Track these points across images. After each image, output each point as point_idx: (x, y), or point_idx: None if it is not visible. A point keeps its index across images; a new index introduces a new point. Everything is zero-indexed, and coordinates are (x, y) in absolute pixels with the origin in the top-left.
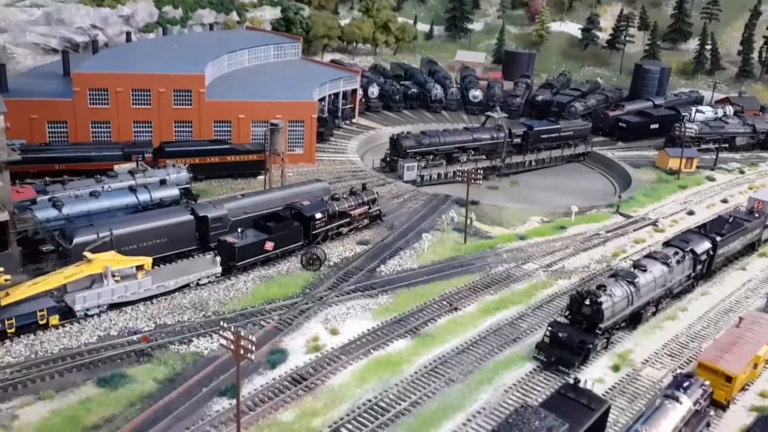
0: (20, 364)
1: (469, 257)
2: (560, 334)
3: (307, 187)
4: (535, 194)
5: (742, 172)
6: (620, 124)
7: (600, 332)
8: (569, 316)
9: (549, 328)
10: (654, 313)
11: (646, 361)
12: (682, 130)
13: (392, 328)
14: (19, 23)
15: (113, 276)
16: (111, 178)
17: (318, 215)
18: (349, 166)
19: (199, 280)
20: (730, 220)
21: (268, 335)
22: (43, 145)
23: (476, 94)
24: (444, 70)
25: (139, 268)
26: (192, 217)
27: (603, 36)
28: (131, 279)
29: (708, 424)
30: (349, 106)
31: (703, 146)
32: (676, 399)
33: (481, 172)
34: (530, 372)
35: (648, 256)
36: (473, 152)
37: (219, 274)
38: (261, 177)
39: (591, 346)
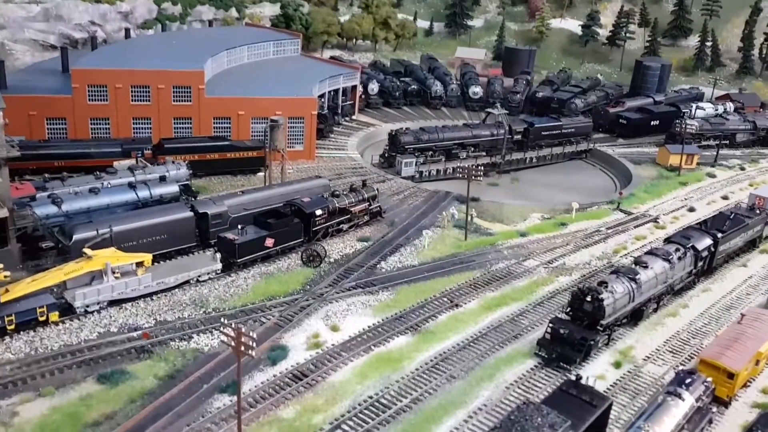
0: (20, 361)
1: (469, 254)
2: (561, 331)
3: (308, 184)
4: (535, 191)
5: (742, 169)
6: (621, 120)
7: (601, 329)
8: (570, 313)
9: (550, 325)
10: (655, 310)
11: (648, 357)
12: (683, 126)
13: (393, 324)
14: (17, 20)
15: (113, 273)
16: (110, 175)
17: (318, 212)
18: (349, 162)
19: (199, 276)
20: (732, 217)
21: (269, 332)
22: (42, 141)
23: (476, 90)
24: (444, 66)
25: (139, 264)
26: (192, 213)
27: (603, 33)
28: (131, 276)
29: (710, 421)
30: (348, 102)
31: (704, 143)
32: (679, 396)
33: (482, 168)
34: (531, 369)
35: (649, 252)
36: (472, 149)
37: (219, 271)
38: (261, 174)
39: (592, 342)
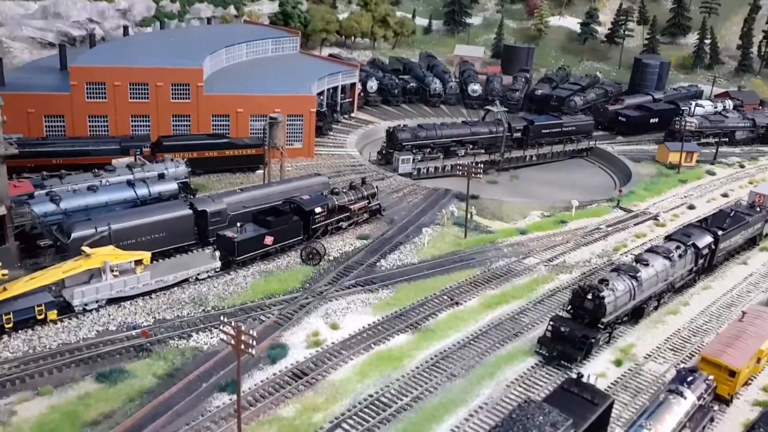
0: (18, 360)
1: (469, 252)
2: (562, 329)
3: (307, 182)
4: (535, 188)
5: (742, 166)
6: (620, 118)
7: (602, 327)
8: (571, 311)
9: (551, 323)
10: (656, 308)
11: (649, 355)
12: (682, 124)
13: (393, 322)
14: (15, 17)
15: (112, 271)
16: (109, 173)
17: (318, 210)
18: (348, 160)
19: (198, 274)
20: (732, 215)
21: (268, 330)
22: (40, 139)
23: (475, 88)
24: (443, 64)
25: (138, 262)
26: (191, 211)
27: (602, 30)
28: (130, 274)
29: (712, 419)
30: (347, 100)
31: (703, 140)
32: (680, 394)
33: (481, 166)
34: (532, 367)
35: (650, 250)
36: (471, 146)
37: (218, 269)
38: (260, 171)
39: (593, 340)
